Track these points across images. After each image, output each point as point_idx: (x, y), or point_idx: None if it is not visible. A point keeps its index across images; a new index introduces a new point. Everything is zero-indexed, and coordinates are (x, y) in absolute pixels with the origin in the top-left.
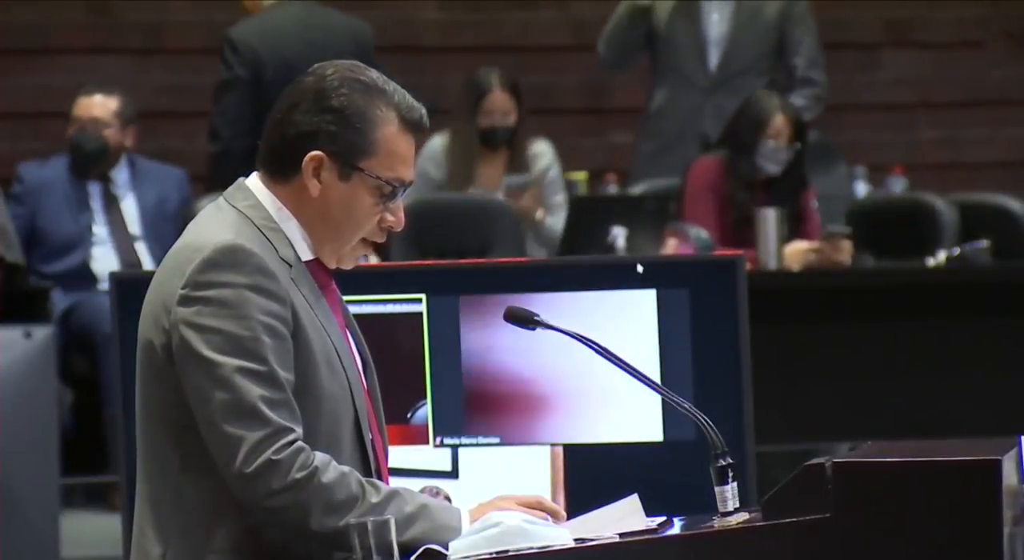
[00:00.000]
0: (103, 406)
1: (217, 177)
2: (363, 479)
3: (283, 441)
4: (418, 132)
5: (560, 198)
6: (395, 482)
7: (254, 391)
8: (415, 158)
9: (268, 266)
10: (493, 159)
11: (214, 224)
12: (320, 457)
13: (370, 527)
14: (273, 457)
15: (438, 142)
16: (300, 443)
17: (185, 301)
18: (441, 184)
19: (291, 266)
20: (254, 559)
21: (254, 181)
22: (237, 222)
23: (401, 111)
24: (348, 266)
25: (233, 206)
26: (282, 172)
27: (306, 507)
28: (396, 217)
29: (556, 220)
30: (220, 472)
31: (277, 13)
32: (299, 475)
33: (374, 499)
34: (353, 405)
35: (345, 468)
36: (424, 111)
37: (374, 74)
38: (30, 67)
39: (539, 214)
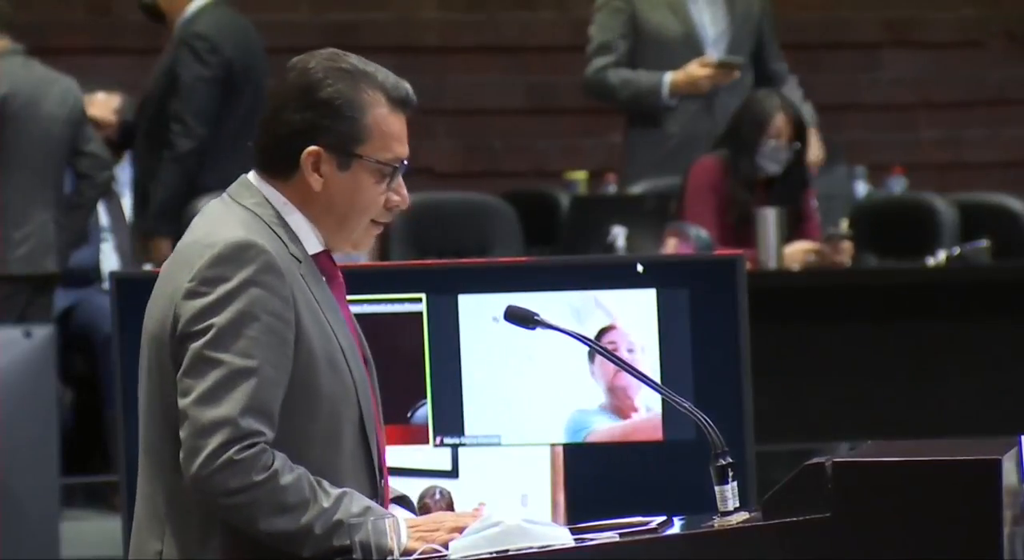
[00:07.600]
0: (103, 406)
1: None
2: (315, 481)
3: (247, 442)
4: (406, 108)
5: None
6: (395, 482)
7: (235, 390)
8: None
9: (277, 264)
10: None
11: (224, 221)
12: (280, 460)
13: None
14: (235, 457)
15: None
16: (263, 445)
17: (190, 295)
18: None
19: (301, 262)
20: (251, 557)
21: (256, 178)
22: (247, 219)
23: (387, 90)
24: (366, 247)
25: (240, 203)
26: (281, 171)
27: (258, 508)
28: (400, 195)
29: None
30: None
31: None
32: (258, 478)
33: (325, 503)
34: (358, 403)
35: (300, 470)
36: (409, 86)
37: (353, 59)
38: None
39: None
